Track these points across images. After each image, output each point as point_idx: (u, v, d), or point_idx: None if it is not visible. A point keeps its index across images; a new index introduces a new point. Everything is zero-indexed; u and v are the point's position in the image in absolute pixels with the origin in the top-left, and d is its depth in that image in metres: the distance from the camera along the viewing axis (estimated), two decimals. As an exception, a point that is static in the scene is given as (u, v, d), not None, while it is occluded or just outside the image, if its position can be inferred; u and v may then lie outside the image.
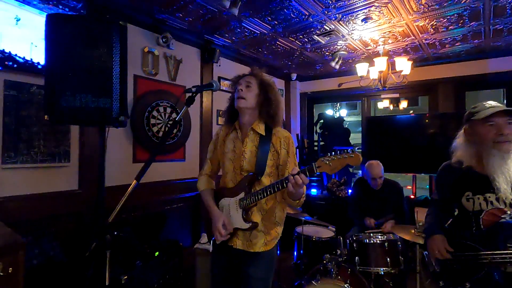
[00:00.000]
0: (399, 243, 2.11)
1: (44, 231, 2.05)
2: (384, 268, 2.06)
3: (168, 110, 3.03)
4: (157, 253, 2.02)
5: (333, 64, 3.93)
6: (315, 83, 5.32)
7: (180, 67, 3.22)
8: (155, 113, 2.91)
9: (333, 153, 1.15)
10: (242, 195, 1.40)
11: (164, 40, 2.97)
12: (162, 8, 2.66)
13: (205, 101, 3.51)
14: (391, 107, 6.56)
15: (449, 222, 1.47)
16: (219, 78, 3.73)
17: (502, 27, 3.03)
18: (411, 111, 8.91)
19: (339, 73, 4.77)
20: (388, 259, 2.06)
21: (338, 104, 11.43)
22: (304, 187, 1.27)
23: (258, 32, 3.20)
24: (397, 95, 4.73)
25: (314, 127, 5.48)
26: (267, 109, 1.47)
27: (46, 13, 1.55)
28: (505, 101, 4.09)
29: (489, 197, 1.27)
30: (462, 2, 2.52)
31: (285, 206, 1.51)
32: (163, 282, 2.03)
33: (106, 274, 1.25)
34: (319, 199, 4.18)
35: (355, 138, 6.30)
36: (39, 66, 2.01)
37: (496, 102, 1.29)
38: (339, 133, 5.02)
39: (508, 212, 1.21)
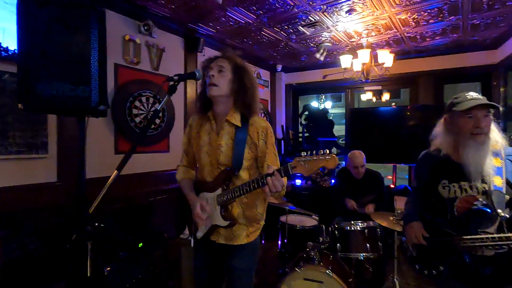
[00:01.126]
0: (378, 229, 2.19)
1: (22, 224, 1.98)
2: (364, 254, 2.14)
3: (151, 100, 2.96)
4: (141, 244, 2.01)
5: (317, 55, 3.95)
6: (300, 75, 5.34)
7: (163, 56, 3.14)
8: (137, 103, 2.85)
9: (308, 153, 1.11)
10: (219, 191, 1.34)
11: (146, 28, 2.89)
12: (144, -6, 2.58)
13: (189, 91, 3.45)
14: (374, 99, 6.71)
15: (427, 209, 1.54)
16: (204, 68, 3.68)
17: (479, 22, 3.13)
18: (393, 104, 9.12)
19: (324, 65, 4.82)
20: (367, 245, 2.14)
21: (323, 96, 11.55)
22: (285, 178, 1.27)
23: (243, 22, 3.16)
24: (379, 87, 4.83)
25: (299, 119, 5.52)
26: (243, 97, 1.36)
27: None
28: (480, 94, 4.26)
29: (464, 185, 1.33)
30: (442, -4, 2.58)
31: (266, 197, 1.44)
32: (147, 273, 2.03)
33: (87, 266, 1.23)
34: (304, 189, 4.25)
35: (340, 129, 6.41)
36: (10, 52, 1.90)
37: (477, 94, 1.33)
38: (323, 125, 5.09)
39: (480, 199, 1.27)
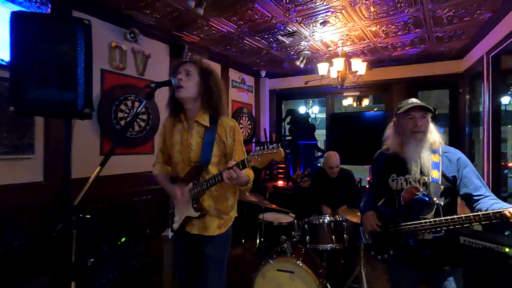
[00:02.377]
0: (344, 223, 2.39)
1: (9, 222, 2.07)
2: (330, 245, 2.33)
3: (136, 104, 3.09)
4: (123, 239, 2.13)
5: (298, 63, 4.17)
6: (284, 81, 5.55)
7: (148, 62, 3.28)
8: (122, 106, 2.97)
9: (261, 147, 1.25)
10: (190, 185, 1.48)
11: (132, 35, 3.03)
12: (130, 5, 2.72)
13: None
14: (355, 105, 7.00)
15: (381, 201, 1.73)
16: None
17: (442, 34, 3.42)
18: (376, 108, 9.48)
19: (305, 71, 5.04)
20: (333, 237, 2.33)
21: (310, 102, 11.86)
22: (251, 173, 1.42)
23: (225, 31, 3.34)
24: (357, 93, 5.09)
25: (283, 123, 5.73)
26: (209, 98, 1.48)
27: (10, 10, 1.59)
28: (448, 100, 4.58)
29: (408, 177, 1.53)
30: (406, 11, 2.83)
31: (237, 190, 1.61)
32: (129, 267, 2.14)
33: (72, 254, 1.35)
34: (285, 189, 4.43)
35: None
36: (2, 62, 2.02)
37: (416, 100, 1.55)
38: (305, 129, 5.31)
39: (421, 190, 1.47)
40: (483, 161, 3.44)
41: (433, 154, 1.50)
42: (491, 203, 1.27)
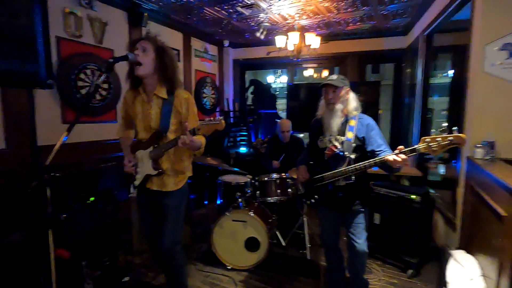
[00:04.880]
0: (288, 180, 2.81)
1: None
2: (276, 197, 2.77)
3: (97, 73, 3.13)
4: (92, 198, 2.35)
5: (258, 34, 4.32)
6: (247, 51, 5.68)
7: (106, 30, 3.26)
8: (82, 75, 3.00)
9: (208, 119, 1.49)
10: (151, 148, 1.73)
11: (86, 1, 2.98)
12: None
13: (135, 65, 3.63)
14: (315, 75, 7.37)
15: (311, 157, 2.10)
16: (149, 42, 3.84)
17: (386, 12, 3.75)
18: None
19: (268, 42, 5.18)
20: (279, 191, 2.76)
21: (279, 71, 12.03)
22: (203, 140, 1.69)
23: (184, 0, 3.38)
24: (315, 65, 5.41)
25: (246, 93, 5.94)
26: (165, 73, 1.66)
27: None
28: (393, 73, 5.08)
29: (331, 138, 1.90)
30: (352, -10, 3.09)
31: (191, 153, 1.87)
32: (100, 223, 2.39)
33: (47, 209, 1.57)
34: (247, 155, 4.80)
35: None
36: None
37: (332, 76, 1.89)
38: (267, 98, 5.59)
39: (339, 147, 1.85)
40: (414, 128, 4.02)
41: (351, 120, 1.87)
42: (384, 154, 1.67)
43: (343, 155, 1.80)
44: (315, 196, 1.95)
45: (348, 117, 1.87)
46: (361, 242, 1.87)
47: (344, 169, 1.76)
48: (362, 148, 1.84)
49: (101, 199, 2.46)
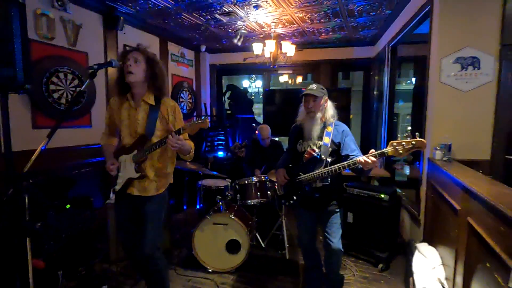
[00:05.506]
0: (267, 182, 2.91)
1: None
2: (256, 200, 2.85)
3: (70, 76, 3.04)
4: (68, 206, 2.28)
5: (235, 41, 4.42)
6: (224, 56, 5.75)
7: (80, 33, 3.18)
8: (54, 79, 2.91)
9: (194, 119, 1.59)
10: (135, 152, 1.77)
11: (59, 3, 2.90)
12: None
13: (110, 69, 3.56)
14: (289, 81, 7.61)
15: (291, 161, 2.22)
16: (125, 46, 3.79)
17: (356, 25, 4.02)
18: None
19: (244, 48, 5.29)
20: (258, 193, 2.85)
21: (254, 76, 12.20)
22: (192, 145, 1.76)
23: (162, 5, 3.39)
24: (290, 72, 5.60)
25: (223, 97, 6.00)
26: (154, 82, 1.75)
27: None
28: (362, 80, 5.41)
29: (309, 143, 2.03)
30: (324, 4, 3.29)
31: (174, 160, 1.93)
32: (76, 230, 2.32)
33: (25, 217, 1.53)
34: (225, 159, 4.84)
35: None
36: None
37: (312, 86, 2.02)
38: (244, 103, 5.68)
39: (317, 151, 1.98)
40: (382, 132, 4.31)
41: (328, 126, 2.01)
42: (357, 158, 1.82)
43: (320, 158, 1.93)
44: (294, 197, 2.06)
45: (325, 124, 2.01)
46: (335, 241, 2.00)
47: (321, 171, 1.89)
48: (337, 152, 1.98)
49: (77, 206, 2.40)
